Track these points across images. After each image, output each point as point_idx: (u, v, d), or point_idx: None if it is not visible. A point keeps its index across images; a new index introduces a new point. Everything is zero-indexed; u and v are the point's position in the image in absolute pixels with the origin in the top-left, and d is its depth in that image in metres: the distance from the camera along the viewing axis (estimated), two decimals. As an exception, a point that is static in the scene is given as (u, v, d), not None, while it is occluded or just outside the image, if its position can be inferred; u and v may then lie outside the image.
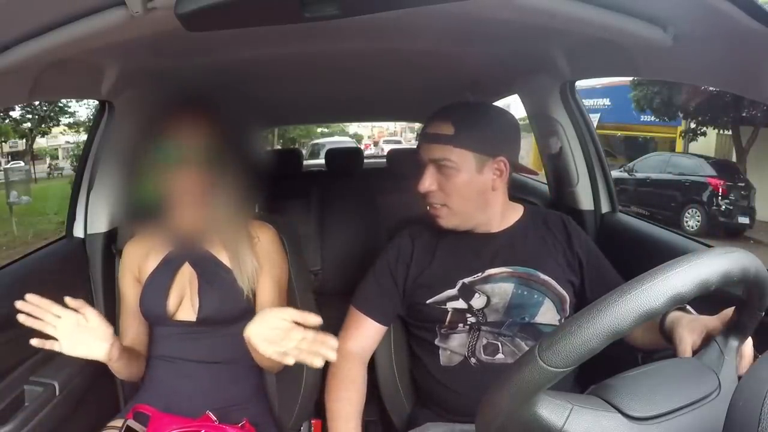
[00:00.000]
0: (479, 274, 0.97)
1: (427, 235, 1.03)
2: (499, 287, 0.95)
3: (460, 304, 0.96)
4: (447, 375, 0.97)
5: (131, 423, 0.91)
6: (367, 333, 1.01)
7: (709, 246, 1.11)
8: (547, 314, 0.94)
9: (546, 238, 1.00)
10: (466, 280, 0.97)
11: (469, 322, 0.96)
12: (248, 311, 0.98)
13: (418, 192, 0.98)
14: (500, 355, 0.94)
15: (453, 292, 0.97)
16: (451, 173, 0.94)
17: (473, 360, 0.95)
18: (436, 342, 0.98)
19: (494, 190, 0.97)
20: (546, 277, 0.95)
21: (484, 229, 1.00)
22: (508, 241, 1.00)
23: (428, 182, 0.95)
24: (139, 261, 1.00)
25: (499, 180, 0.97)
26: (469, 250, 0.99)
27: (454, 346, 0.97)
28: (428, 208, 0.99)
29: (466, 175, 0.94)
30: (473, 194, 0.96)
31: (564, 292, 0.96)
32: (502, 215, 1.01)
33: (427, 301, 0.98)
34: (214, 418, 0.90)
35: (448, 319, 0.96)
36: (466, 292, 0.96)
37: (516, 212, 1.03)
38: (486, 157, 0.95)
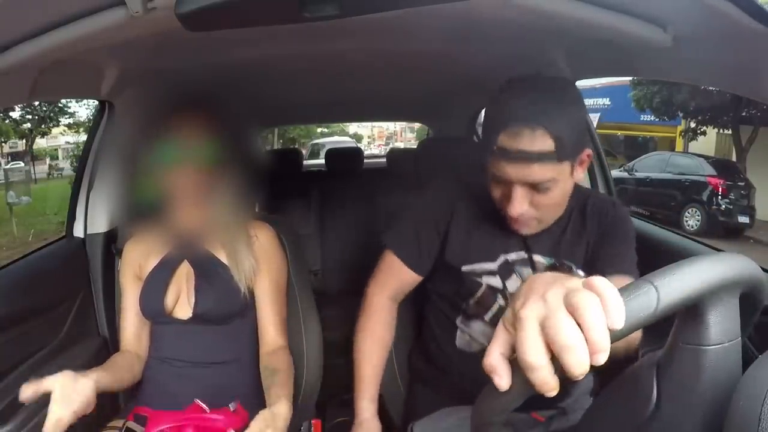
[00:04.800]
0: (524, 254, 0.89)
1: (474, 200, 0.94)
2: None
3: (496, 281, 0.89)
4: (462, 358, 0.93)
5: (131, 424, 0.91)
6: (402, 278, 0.96)
7: (711, 248, 1.11)
8: None
9: (585, 228, 0.91)
10: (510, 257, 0.89)
11: (497, 307, 0.89)
12: (245, 309, 0.99)
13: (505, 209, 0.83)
14: None
15: (492, 266, 0.90)
16: (550, 189, 0.79)
17: None
18: (457, 322, 0.94)
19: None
20: (581, 273, 0.88)
21: None
22: (553, 232, 0.90)
23: (522, 206, 0.81)
24: (140, 259, 1.00)
25: (580, 170, 0.84)
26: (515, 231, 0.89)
27: (475, 333, 0.92)
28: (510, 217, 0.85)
29: (563, 184, 0.81)
30: (565, 199, 0.86)
31: None
32: None
33: (463, 268, 0.90)
34: (205, 407, 0.90)
35: (479, 294, 0.90)
36: (506, 271, 0.89)
37: None
38: (578, 156, 0.81)
